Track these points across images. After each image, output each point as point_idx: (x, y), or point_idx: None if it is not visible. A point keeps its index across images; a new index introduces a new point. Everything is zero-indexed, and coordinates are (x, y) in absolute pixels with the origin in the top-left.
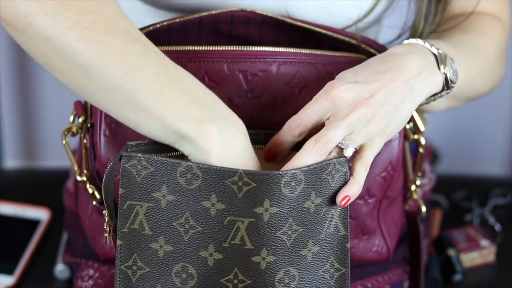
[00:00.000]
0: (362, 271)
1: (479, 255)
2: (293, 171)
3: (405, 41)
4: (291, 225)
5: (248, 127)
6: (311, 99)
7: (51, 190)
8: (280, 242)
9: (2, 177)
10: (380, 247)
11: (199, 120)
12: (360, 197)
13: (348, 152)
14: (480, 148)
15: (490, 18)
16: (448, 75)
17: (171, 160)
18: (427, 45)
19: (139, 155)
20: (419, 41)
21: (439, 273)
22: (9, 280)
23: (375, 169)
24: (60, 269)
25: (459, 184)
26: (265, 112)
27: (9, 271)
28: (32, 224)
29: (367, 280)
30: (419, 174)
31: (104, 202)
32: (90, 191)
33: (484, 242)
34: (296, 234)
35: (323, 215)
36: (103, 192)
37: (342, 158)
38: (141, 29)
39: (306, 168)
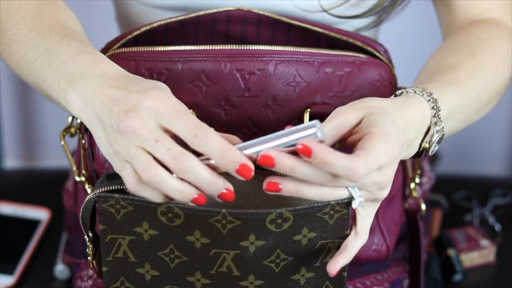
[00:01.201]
0: (361, 269)
1: (479, 255)
2: (278, 211)
3: (418, 92)
4: (279, 254)
5: (246, 126)
6: (309, 98)
7: (51, 190)
8: (268, 269)
9: (2, 177)
10: (379, 245)
11: (64, 92)
12: None
13: (355, 204)
14: (480, 148)
15: (497, 28)
16: (428, 149)
17: (151, 203)
18: (432, 111)
19: (117, 196)
20: (427, 102)
21: (439, 273)
22: (9, 280)
23: None
24: (60, 269)
25: (459, 184)
26: (263, 111)
27: (9, 271)
28: (32, 224)
29: (366, 278)
30: (418, 172)
31: (84, 230)
32: (89, 191)
33: (484, 242)
34: (285, 262)
35: (319, 247)
36: (81, 224)
37: (345, 200)
38: (137, 29)
39: (293, 209)
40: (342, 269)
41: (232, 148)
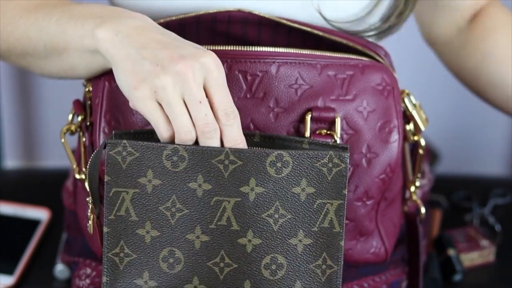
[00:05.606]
0: (359, 271)
1: (479, 255)
2: (279, 152)
3: None
4: (278, 208)
5: (248, 128)
6: (311, 101)
7: (51, 190)
8: (266, 224)
9: (2, 177)
10: (377, 248)
11: (92, 30)
12: (358, 199)
13: None
14: (480, 148)
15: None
16: None
17: (156, 144)
18: None
19: (124, 141)
20: None
21: (439, 273)
22: (9, 280)
23: (373, 171)
24: (60, 269)
25: (459, 184)
26: (265, 113)
27: (9, 271)
28: (32, 224)
29: (364, 280)
30: (419, 175)
31: (88, 189)
32: (89, 189)
33: (484, 242)
34: (283, 219)
35: (317, 207)
36: (87, 179)
37: (344, 154)
38: None
39: (294, 151)
40: (339, 238)
41: (244, 143)
